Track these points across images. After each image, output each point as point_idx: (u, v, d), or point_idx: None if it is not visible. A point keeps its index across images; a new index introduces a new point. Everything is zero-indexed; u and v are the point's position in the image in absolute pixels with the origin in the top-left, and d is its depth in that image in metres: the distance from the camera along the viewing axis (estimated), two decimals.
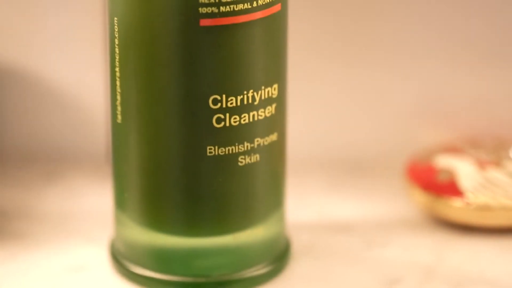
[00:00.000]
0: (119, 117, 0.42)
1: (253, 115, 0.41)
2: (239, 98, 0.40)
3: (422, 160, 0.52)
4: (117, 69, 0.41)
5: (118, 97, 0.41)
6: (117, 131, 0.42)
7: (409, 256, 0.46)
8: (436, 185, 0.50)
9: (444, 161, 0.52)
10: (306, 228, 0.49)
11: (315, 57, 0.54)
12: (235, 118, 0.40)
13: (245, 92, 0.40)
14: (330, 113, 0.55)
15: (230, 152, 0.41)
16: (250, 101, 0.40)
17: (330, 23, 0.53)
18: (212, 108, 0.40)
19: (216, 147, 0.40)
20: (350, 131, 0.56)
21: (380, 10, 0.54)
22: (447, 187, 0.50)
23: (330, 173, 0.55)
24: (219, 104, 0.40)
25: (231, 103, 0.40)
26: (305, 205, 0.52)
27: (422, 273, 0.45)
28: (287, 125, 0.45)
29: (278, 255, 0.44)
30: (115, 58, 0.41)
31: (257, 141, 0.41)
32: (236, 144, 0.41)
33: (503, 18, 0.54)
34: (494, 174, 0.51)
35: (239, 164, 0.41)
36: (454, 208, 0.49)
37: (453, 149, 0.53)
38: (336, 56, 0.54)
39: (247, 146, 0.41)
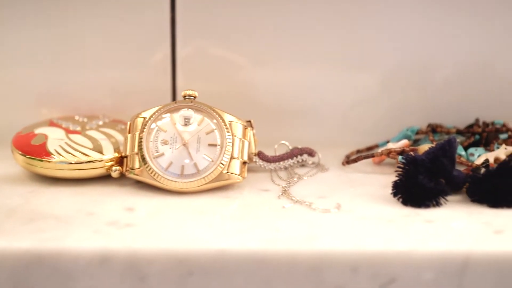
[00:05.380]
0: None
1: None
2: None
3: (24, 131, 0.66)
4: None
5: None
6: None
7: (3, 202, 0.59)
8: (31, 148, 0.63)
9: (39, 131, 0.66)
10: None
11: None
12: None
13: None
14: None
15: None
16: None
17: None
18: None
19: None
20: None
21: None
22: (38, 150, 0.63)
23: None
24: None
25: None
26: None
27: (6, 212, 0.56)
28: None
29: None
30: None
31: None
32: None
33: None
34: (76, 138, 0.65)
35: None
36: (43, 165, 0.62)
37: (51, 123, 0.68)
38: None
39: None
